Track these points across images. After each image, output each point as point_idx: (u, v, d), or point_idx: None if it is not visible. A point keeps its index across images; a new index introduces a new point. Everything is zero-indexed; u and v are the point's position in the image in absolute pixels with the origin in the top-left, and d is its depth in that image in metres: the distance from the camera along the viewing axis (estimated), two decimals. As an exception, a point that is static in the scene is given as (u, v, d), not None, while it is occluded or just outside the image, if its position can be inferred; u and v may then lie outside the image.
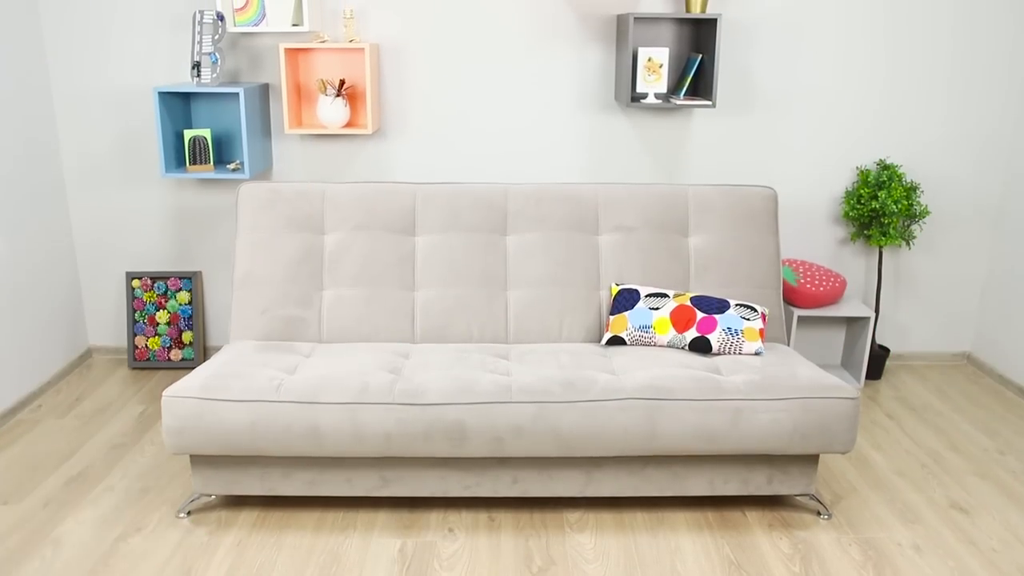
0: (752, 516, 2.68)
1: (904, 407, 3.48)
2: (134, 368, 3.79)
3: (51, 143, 3.59)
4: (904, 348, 3.91)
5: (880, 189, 3.50)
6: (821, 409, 2.53)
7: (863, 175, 3.57)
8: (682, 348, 2.89)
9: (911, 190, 3.52)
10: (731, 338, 2.85)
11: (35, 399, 3.46)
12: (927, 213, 3.55)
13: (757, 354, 2.85)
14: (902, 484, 2.89)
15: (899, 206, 3.47)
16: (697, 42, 3.47)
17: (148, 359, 3.79)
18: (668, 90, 3.51)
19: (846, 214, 3.60)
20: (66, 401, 3.45)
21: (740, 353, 2.85)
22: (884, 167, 3.54)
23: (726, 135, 3.61)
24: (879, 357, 3.70)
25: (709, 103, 3.32)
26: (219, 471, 2.60)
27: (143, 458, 3.00)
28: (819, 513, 2.70)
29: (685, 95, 3.44)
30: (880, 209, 3.47)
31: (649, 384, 2.55)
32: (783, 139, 3.63)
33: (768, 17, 3.50)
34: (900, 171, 3.61)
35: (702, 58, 3.40)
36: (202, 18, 3.32)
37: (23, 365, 3.41)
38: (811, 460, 2.64)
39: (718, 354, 2.86)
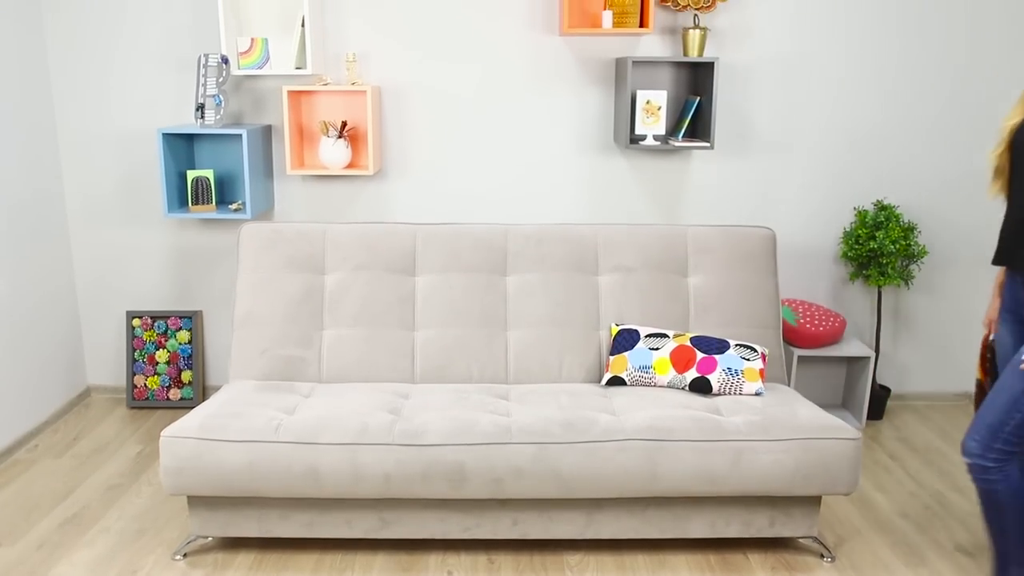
0: (754, 559, 2.65)
1: (907, 448, 3.45)
2: (132, 407, 3.77)
3: (55, 182, 3.62)
4: (905, 388, 3.90)
5: (878, 229, 3.51)
6: (822, 450, 2.52)
7: (861, 216, 3.59)
8: (682, 388, 2.89)
9: (909, 230, 3.54)
10: (731, 378, 2.84)
11: (32, 438, 3.44)
12: (925, 253, 3.56)
13: (757, 394, 2.84)
14: (906, 526, 2.86)
15: (897, 246, 3.48)
16: (695, 85, 3.52)
17: (147, 398, 3.78)
18: (667, 132, 3.55)
19: (844, 254, 3.62)
20: (63, 441, 3.43)
21: (740, 393, 2.85)
22: (881, 208, 3.57)
23: (724, 176, 3.64)
24: (880, 397, 3.69)
25: (707, 144, 3.36)
26: (216, 512, 2.58)
27: (140, 499, 2.97)
28: (822, 556, 2.67)
29: (683, 137, 3.48)
30: (878, 249, 3.49)
31: (649, 425, 2.54)
32: (781, 180, 3.66)
33: (764, 60, 3.55)
34: (897, 211, 3.64)
35: (700, 100, 3.44)
36: (207, 61, 3.37)
37: (21, 404, 3.39)
38: (813, 502, 2.62)
39: (718, 394, 2.85)
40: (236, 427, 2.50)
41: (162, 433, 2.49)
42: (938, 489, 3.11)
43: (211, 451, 2.46)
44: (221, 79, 3.38)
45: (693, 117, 3.47)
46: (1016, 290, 2.26)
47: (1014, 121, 2.21)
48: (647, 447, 2.49)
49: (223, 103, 3.40)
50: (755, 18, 3.51)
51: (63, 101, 3.59)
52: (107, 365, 3.86)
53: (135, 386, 3.77)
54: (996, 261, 2.27)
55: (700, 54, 3.38)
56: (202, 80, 3.39)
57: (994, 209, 3.71)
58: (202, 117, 3.40)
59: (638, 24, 3.34)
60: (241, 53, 3.42)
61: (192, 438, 2.48)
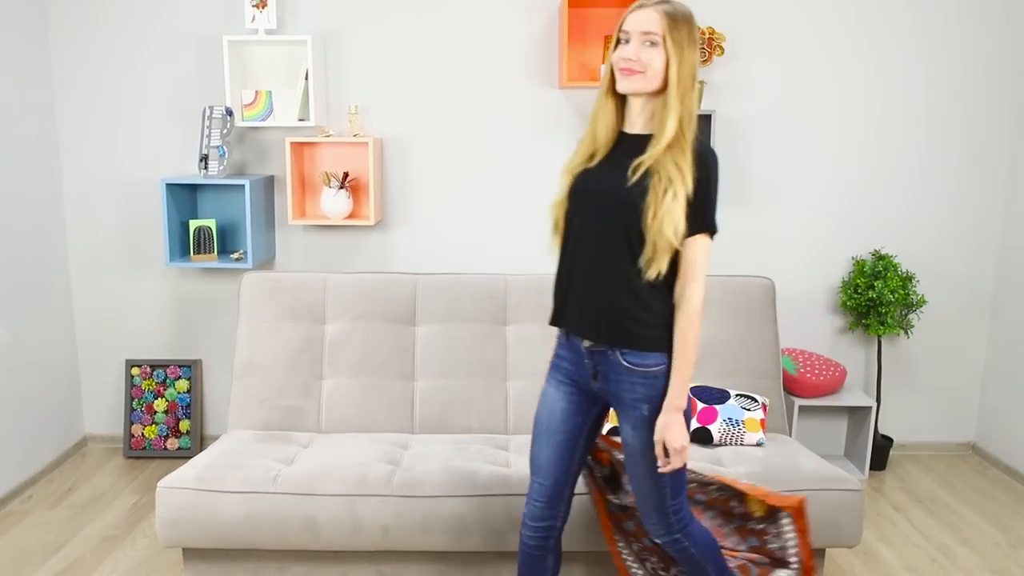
0: (759, 614, 2.60)
1: (911, 499, 3.42)
2: (129, 457, 3.74)
3: (58, 231, 3.64)
4: (908, 438, 3.87)
5: (876, 279, 3.53)
6: (825, 501, 2.49)
7: (859, 265, 3.61)
8: (683, 438, 2.87)
9: (907, 280, 3.56)
10: (732, 429, 2.83)
11: (26, 489, 3.40)
12: (924, 302, 3.57)
13: (759, 445, 2.83)
14: (911, 580, 2.81)
15: (896, 296, 3.50)
16: (692, 137, 3.56)
17: (144, 448, 3.74)
18: (665, 182, 3.58)
19: (844, 304, 3.63)
20: (58, 491, 3.39)
21: (742, 444, 2.83)
22: (879, 257, 3.59)
23: (722, 226, 3.65)
24: (882, 447, 3.66)
25: (705, 195, 3.38)
26: (212, 565, 2.54)
27: (134, 551, 2.93)
28: (827, 611, 2.63)
29: (682, 187, 3.50)
30: (877, 299, 3.50)
31: (651, 476, 2.51)
32: (779, 230, 3.69)
33: (761, 112, 3.60)
34: (895, 261, 3.66)
35: (697, 152, 3.48)
36: (212, 113, 3.42)
37: (16, 454, 3.36)
38: (817, 555, 2.58)
39: (720, 445, 2.83)
40: (234, 478, 2.48)
41: (159, 484, 2.47)
42: (944, 542, 3.07)
43: (208, 502, 2.43)
44: (225, 130, 3.42)
45: (691, 168, 3.50)
46: (576, 351, 2.02)
47: (574, 165, 1.99)
48: (648, 498, 2.46)
49: (226, 154, 3.44)
50: (751, 72, 3.57)
51: (69, 151, 3.64)
52: (105, 414, 3.84)
53: (132, 435, 3.74)
54: (551, 322, 2.06)
55: (697, 107, 3.43)
56: (206, 131, 3.43)
57: (989, 257, 3.73)
58: (205, 168, 3.44)
59: (636, 78, 3.39)
60: (245, 105, 3.47)
61: (189, 489, 2.45)
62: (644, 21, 1.83)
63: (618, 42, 1.89)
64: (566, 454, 2.08)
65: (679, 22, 1.84)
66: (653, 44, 1.83)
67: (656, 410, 1.94)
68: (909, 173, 3.66)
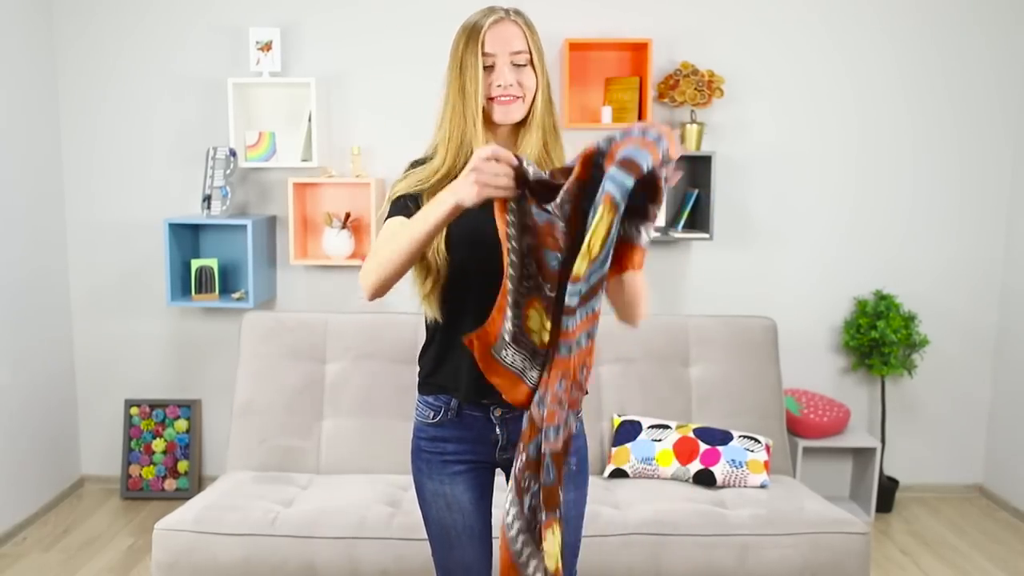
0: (765, 661, 2.55)
1: (918, 542, 3.37)
2: (126, 498, 3.70)
3: (60, 269, 3.65)
4: (914, 479, 3.83)
5: (879, 319, 3.52)
6: (831, 545, 2.46)
7: (861, 305, 3.60)
8: (686, 481, 2.84)
9: (909, 320, 3.55)
10: (735, 470, 2.80)
11: (21, 531, 3.35)
12: (926, 342, 3.56)
13: (763, 487, 2.79)
14: (920, 626, 2.76)
15: (898, 336, 3.48)
16: (693, 177, 3.59)
17: (141, 489, 3.71)
18: (666, 223, 3.59)
19: (846, 344, 3.62)
20: (53, 533, 3.35)
21: (745, 486, 2.80)
22: (881, 297, 3.58)
23: (724, 266, 3.67)
24: (888, 489, 3.62)
25: (707, 236, 3.40)
26: (208, 610, 2.50)
27: (129, 596, 2.89)
28: (835, 658, 2.57)
29: (683, 228, 3.52)
30: (880, 339, 3.49)
31: (653, 519, 2.49)
32: (780, 270, 3.69)
33: (761, 153, 3.63)
34: (897, 301, 3.65)
35: (698, 193, 3.50)
36: (215, 154, 3.45)
37: (11, 494, 3.33)
38: None
39: (723, 487, 2.80)
40: (232, 520, 2.45)
41: (155, 526, 2.44)
42: (952, 586, 3.02)
43: (206, 545, 2.40)
44: (228, 171, 3.44)
45: (692, 209, 3.52)
46: (473, 427, 1.69)
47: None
48: (651, 542, 2.43)
49: (229, 194, 3.46)
50: (751, 113, 3.60)
51: (73, 190, 3.66)
52: (102, 454, 3.81)
53: (130, 476, 3.71)
54: (427, 392, 1.70)
55: (697, 148, 3.46)
56: (210, 172, 3.45)
57: (991, 296, 3.72)
58: (208, 208, 3.46)
59: (636, 119, 3.43)
60: (249, 146, 3.50)
61: (187, 531, 2.42)
62: (510, 39, 1.61)
63: (485, 67, 1.63)
64: (488, 548, 1.74)
65: (534, 31, 1.64)
66: (523, 63, 1.62)
67: (584, 460, 1.72)
68: (910, 213, 3.67)
